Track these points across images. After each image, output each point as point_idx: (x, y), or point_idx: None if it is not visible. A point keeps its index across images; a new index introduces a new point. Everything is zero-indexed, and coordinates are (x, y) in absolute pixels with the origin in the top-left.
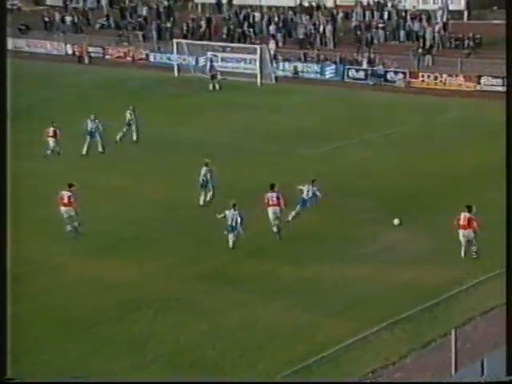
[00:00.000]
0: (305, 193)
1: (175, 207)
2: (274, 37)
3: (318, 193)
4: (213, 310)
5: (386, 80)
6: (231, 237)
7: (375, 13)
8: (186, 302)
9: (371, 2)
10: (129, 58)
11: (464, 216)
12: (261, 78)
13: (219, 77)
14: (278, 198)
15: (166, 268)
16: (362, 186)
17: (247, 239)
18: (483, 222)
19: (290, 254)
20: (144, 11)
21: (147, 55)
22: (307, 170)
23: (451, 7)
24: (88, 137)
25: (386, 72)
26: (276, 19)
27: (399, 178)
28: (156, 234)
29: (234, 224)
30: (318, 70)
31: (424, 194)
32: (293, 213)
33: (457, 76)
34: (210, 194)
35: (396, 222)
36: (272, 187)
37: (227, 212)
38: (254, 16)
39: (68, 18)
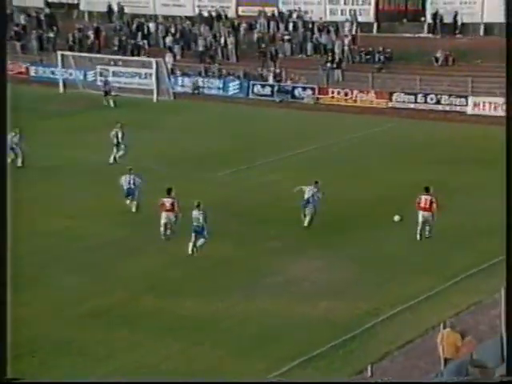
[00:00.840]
0: (306, 194)
1: (67, 237)
2: (171, 49)
3: (319, 194)
4: (108, 353)
5: (293, 96)
6: (201, 242)
7: (280, 24)
8: (78, 346)
9: (275, 13)
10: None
11: (425, 199)
12: (157, 94)
13: (113, 93)
14: (172, 204)
15: (55, 307)
16: (273, 210)
17: (147, 272)
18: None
19: (196, 287)
20: (22, 19)
21: (27, 69)
22: (209, 196)
23: (360, 19)
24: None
25: (294, 88)
26: (173, 30)
27: None
28: (45, 270)
29: (200, 224)
30: (221, 86)
31: (340, 218)
32: (307, 218)
33: (368, 92)
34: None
35: (396, 218)
36: (169, 192)
37: (194, 213)
38: (148, 26)
39: None
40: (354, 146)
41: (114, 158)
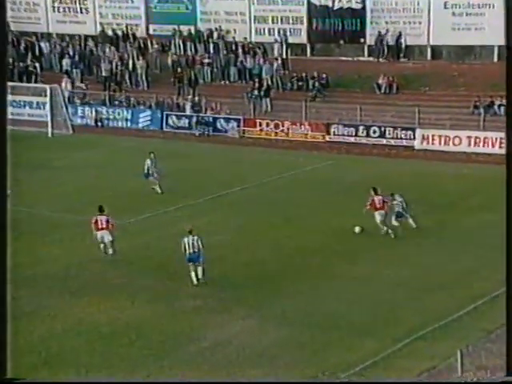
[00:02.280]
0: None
1: None
2: (68, 74)
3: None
4: None
5: (215, 129)
6: (201, 271)
7: (198, 45)
8: None
9: (193, 32)
10: None
11: (378, 199)
12: (53, 127)
13: None
14: (107, 221)
15: None
16: None
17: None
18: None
19: (101, 359)
20: None
21: None
22: (116, 246)
23: (291, 40)
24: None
25: (215, 119)
26: (71, 51)
27: (239, 251)
28: None
29: (196, 251)
30: (129, 117)
31: (268, 270)
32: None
33: (301, 124)
34: None
35: (357, 229)
36: (100, 210)
37: (185, 239)
38: (40, 46)
39: None
40: (285, 186)
41: None
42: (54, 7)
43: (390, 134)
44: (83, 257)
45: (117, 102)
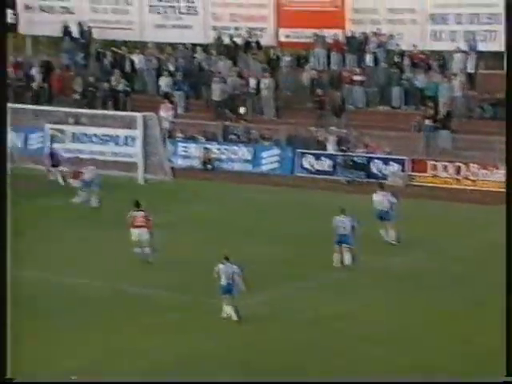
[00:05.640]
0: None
1: None
2: (168, 97)
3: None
4: None
5: (369, 174)
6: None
7: (348, 56)
8: None
9: (340, 37)
10: None
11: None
12: (145, 170)
13: (62, 168)
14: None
15: None
16: None
17: None
18: None
19: None
20: None
21: None
22: None
23: (481, 47)
24: None
25: (370, 160)
26: (172, 67)
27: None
28: None
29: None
30: (249, 157)
31: None
32: None
33: (496, 167)
34: None
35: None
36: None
37: (221, 266)
38: (131, 61)
39: None
40: (478, 257)
41: None
42: (150, 7)
43: None
44: None
45: (233, 137)
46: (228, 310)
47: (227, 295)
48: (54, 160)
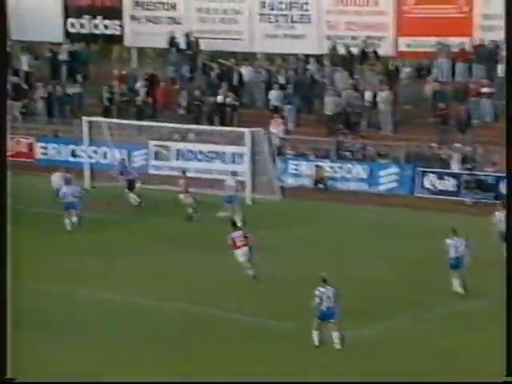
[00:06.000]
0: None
1: None
2: (278, 111)
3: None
4: None
5: (498, 195)
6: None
7: (475, 67)
8: None
9: (466, 47)
10: None
11: None
12: (253, 189)
13: (139, 184)
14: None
15: None
16: None
17: None
18: None
19: None
20: (25, 63)
21: (31, 147)
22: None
23: None
24: None
25: (499, 180)
26: (282, 79)
27: None
28: None
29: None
30: (365, 176)
31: None
32: None
33: None
34: None
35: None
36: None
37: (322, 290)
38: (240, 73)
39: None
40: None
41: None
42: (261, 15)
43: None
44: None
45: (347, 154)
46: (317, 336)
47: (328, 321)
48: (129, 174)
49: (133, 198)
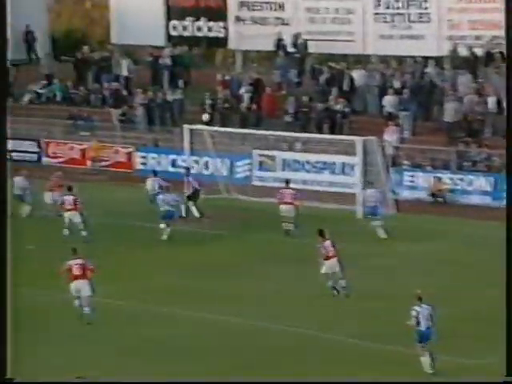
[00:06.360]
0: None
1: None
2: (393, 119)
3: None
4: None
5: None
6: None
7: None
8: None
9: None
10: (90, 162)
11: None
12: (364, 202)
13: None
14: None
15: None
16: None
17: None
18: None
19: None
20: (124, 68)
21: (130, 156)
22: None
23: None
24: None
25: None
26: (397, 83)
27: None
28: None
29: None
30: (489, 189)
31: None
32: None
33: None
34: None
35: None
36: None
37: (418, 309)
38: (351, 78)
39: None
40: None
41: None
42: (375, 15)
43: None
44: None
45: (468, 165)
46: (429, 363)
47: (426, 342)
48: (192, 182)
49: (193, 209)
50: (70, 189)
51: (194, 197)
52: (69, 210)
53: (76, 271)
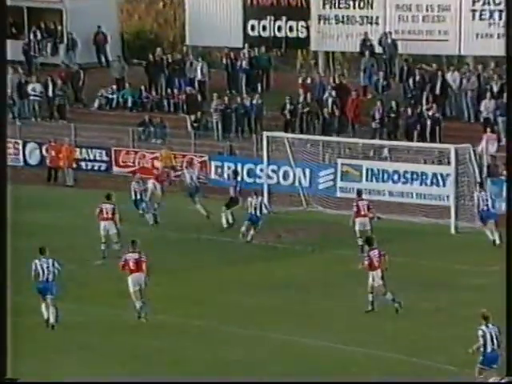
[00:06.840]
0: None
1: None
2: (491, 125)
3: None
4: None
5: None
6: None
7: None
8: None
9: None
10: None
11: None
12: (457, 216)
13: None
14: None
15: None
16: None
17: None
18: None
19: None
20: (199, 71)
21: (205, 165)
22: None
23: None
24: None
25: None
26: (497, 87)
27: None
28: None
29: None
30: None
31: None
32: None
33: None
34: None
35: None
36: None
37: (485, 329)
38: (445, 80)
39: (35, 88)
40: None
41: None
42: (473, 12)
43: None
44: None
45: None
46: None
47: (491, 366)
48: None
49: (226, 216)
50: (108, 197)
51: (230, 203)
52: (106, 219)
53: (132, 266)
